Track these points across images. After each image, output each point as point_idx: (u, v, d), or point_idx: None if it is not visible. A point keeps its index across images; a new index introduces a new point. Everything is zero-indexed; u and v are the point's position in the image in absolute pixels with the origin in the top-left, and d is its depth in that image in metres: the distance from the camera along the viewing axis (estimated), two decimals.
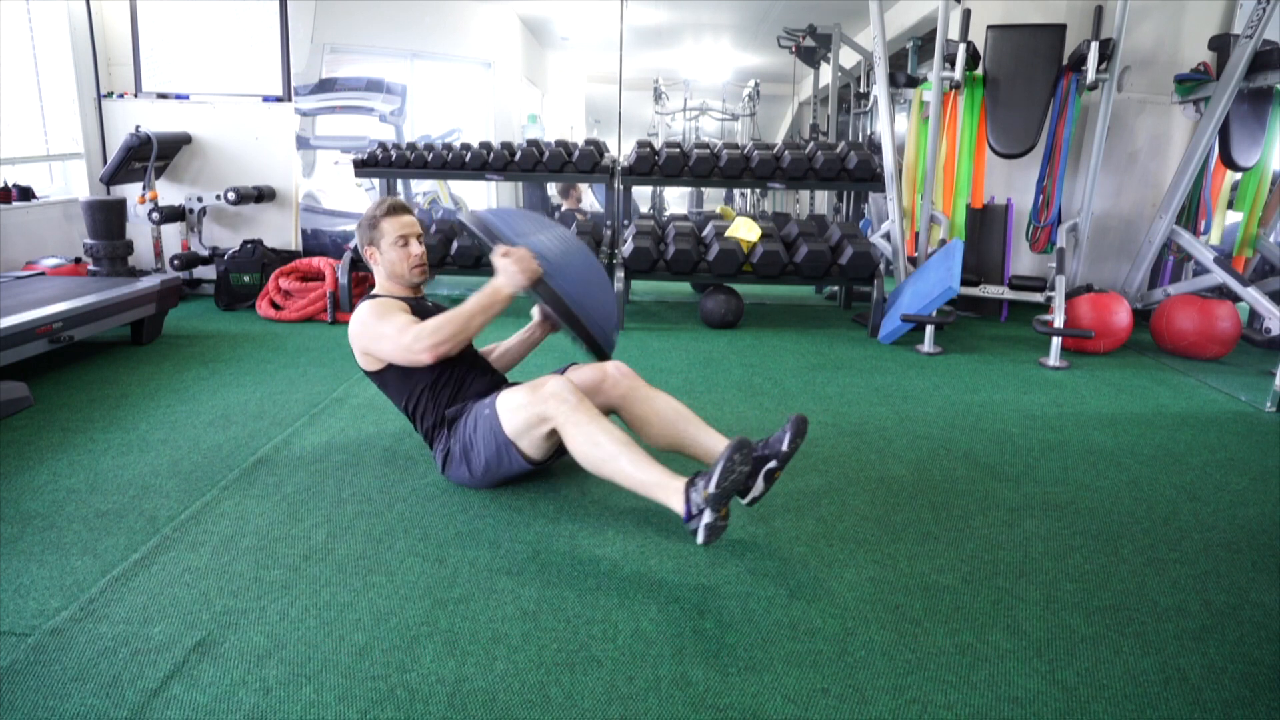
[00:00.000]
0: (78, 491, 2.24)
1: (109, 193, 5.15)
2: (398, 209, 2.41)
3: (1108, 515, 2.22)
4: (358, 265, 4.55)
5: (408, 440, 2.65)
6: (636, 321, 4.62)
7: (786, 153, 4.80)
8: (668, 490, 1.92)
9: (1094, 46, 4.08)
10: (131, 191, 5.10)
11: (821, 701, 1.44)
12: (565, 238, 2.41)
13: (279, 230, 5.50)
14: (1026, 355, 3.99)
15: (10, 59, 4.76)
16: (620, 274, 4.42)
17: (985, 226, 4.88)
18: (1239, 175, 4.34)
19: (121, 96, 5.33)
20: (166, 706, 1.39)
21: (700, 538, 1.86)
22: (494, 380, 2.41)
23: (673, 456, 2.23)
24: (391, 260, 2.39)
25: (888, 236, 4.71)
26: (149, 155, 4.98)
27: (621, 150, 6.56)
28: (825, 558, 1.95)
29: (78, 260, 4.73)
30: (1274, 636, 1.67)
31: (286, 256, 5.04)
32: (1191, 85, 4.26)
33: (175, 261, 5.00)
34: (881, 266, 4.47)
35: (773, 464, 1.94)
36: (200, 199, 5.22)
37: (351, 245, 4.71)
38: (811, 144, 5.00)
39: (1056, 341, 3.83)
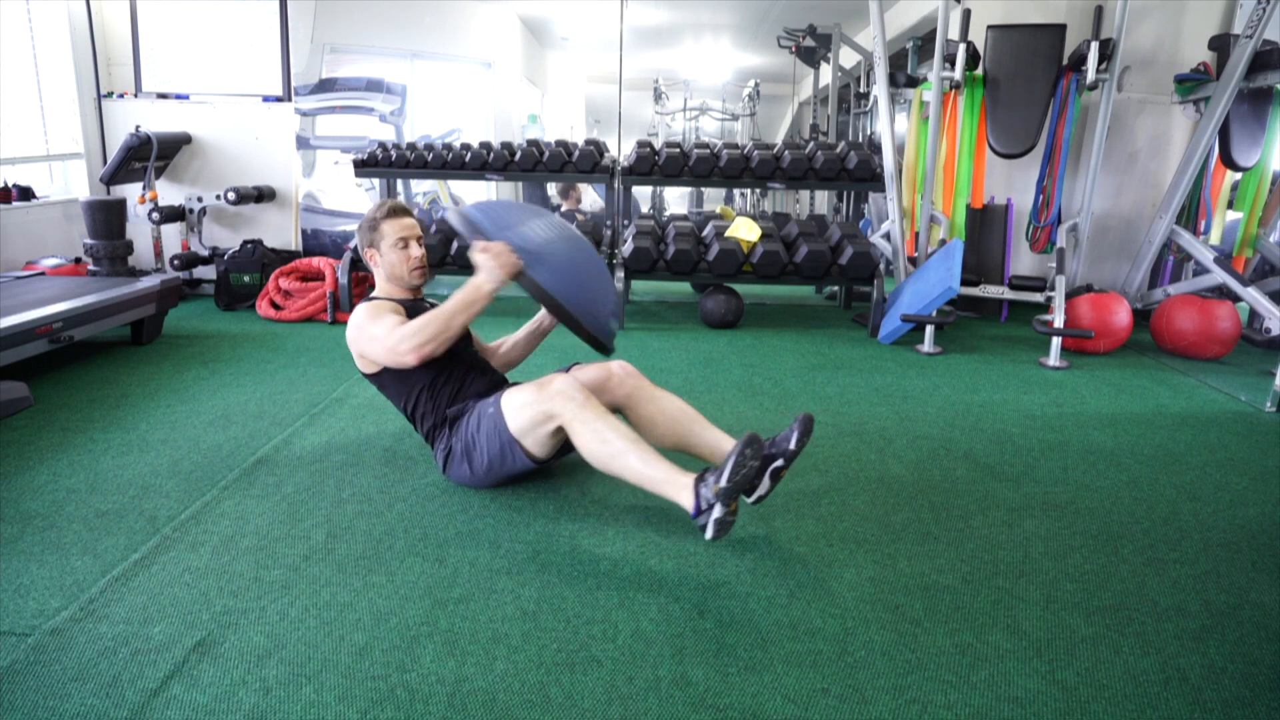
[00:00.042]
0: (78, 491, 2.24)
1: (109, 193, 5.15)
2: (398, 211, 2.42)
3: (1108, 515, 2.22)
4: (358, 265, 4.55)
5: (408, 440, 2.65)
6: (636, 321, 4.62)
7: (786, 153, 4.80)
8: (676, 486, 1.92)
9: (1094, 46, 4.08)
10: (131, 191, 5.10)
11: (821, 701, 1.44)
12: (554, 226, 2.36)
13: (279, 230, 5.50)
14: (1026, 355, 3.99)
15: (10, 59, 4.76)
16: (620, 274, 4.42)
17: (985, 226, 4.88)
18: (1239, 175, 4.34)
19: (121, 96, 5.34)
20: (166, 706, 1.39)
21: (709, 533, 1.86)
22: (494, 380, 2.41)
23: (675, 456, 2.22)
24: (391, 262, 2.40)
25: (888, 236, 4.71)
26: (149, 155, 4.98)
27: (621, 150, 6.56)
28: (825, 558, 1.95)
29: (78, 260, 4.73)
30: (1274, 636, 1.67)
31: (286, 256, 5.04)
32: (1191, 85, 4.26)
33: (175, 261, 5.00)
34: (881, 266, 4.47)
35: (779, 463, 1.95)
36: (200, 199, 5.22)
37: (351, 245, 4.71)
38: (811, 144, 5.00)
39: (1056, 341, 3.83)
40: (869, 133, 6.70)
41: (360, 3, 5.64)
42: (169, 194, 5.34)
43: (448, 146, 5.06)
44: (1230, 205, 4.50)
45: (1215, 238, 4.45)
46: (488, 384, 2.37)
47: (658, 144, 5.07)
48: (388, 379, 2.33)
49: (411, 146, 5.03)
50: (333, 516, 2.11)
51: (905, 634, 1.64)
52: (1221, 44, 4.13)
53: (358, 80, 5.76)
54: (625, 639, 1.61)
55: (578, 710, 1.41)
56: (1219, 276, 3.96)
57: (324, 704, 1.41)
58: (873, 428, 2.88)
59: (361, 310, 2.30)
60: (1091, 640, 1.64)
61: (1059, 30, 4.26)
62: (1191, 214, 4.45)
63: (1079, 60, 4.19)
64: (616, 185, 5.01)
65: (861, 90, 7.17)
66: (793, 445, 1.94)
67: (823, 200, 7.46)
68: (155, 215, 4.99)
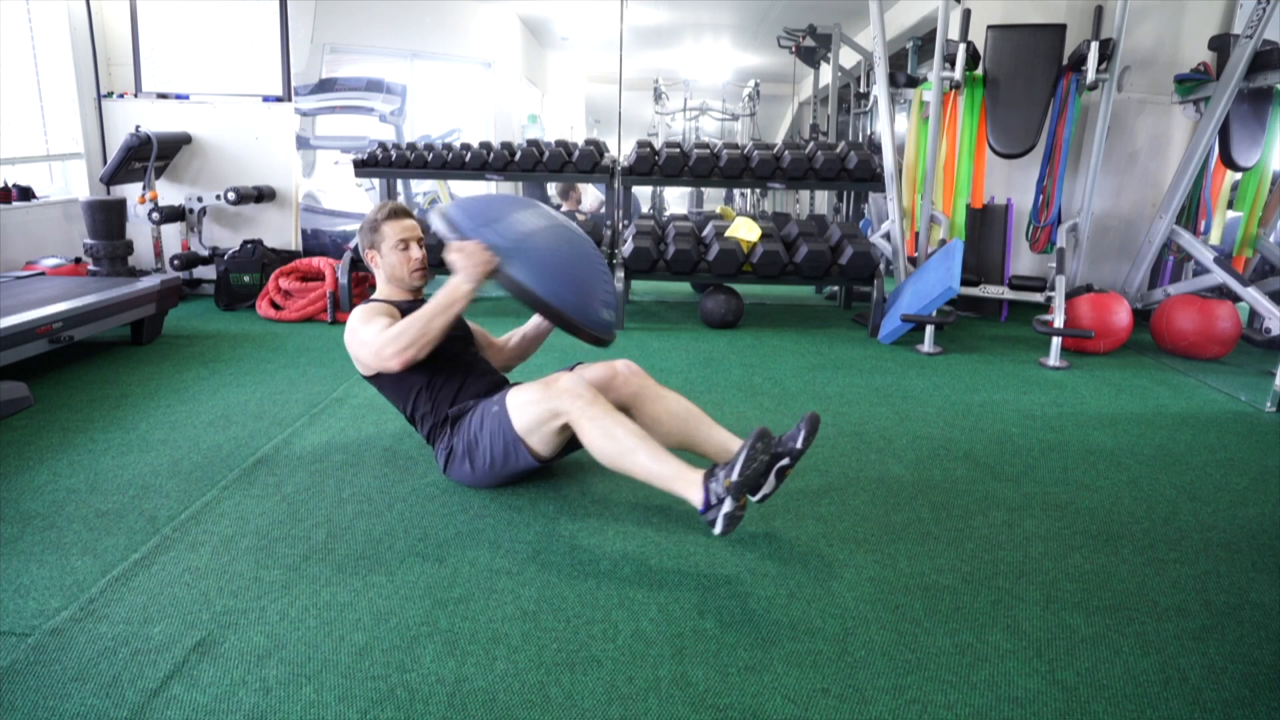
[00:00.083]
0: (78, 491, 2.24)
1: (109, 193, 5.15)
2: (398, 213, 2.43)
3: (1108, 515, 2.22)
4: (358, 265, 4.55)
5: (408, 440, 2.65)
6: (636, 321, 4.62)
7: (786, 153, 4.80)
8: (685, 482, 1.93)
9: (1094, 46, 4.09)
10: (131, 191, 5.10)
11: (821, 701, 1.44)
12: (539, 216, 2.29)
13: (279, 230, 5.50)
14: (1026, 355, 3.99)
15: (10, 59, 4.76)
16: (620, 274, 4.42)
17: (985, 226, 4.88)
18: (1239, 175, 4.34)
19: (121, 96, 5.34)
20: (166, 706, 1.39)
21: (718, 528, 1.87)
22: (494, 381, 2.41)
23: (680, 454, 2.22)
24: (392, 264, 2.41)
25: (888, 236, 4.71)
26: (149, 155, 4.99)
27: (621, 150, 6.56)
28: (825, 558, 1.95)
29: (78, 260, 4.73)
30: (1274, 636, 1.67)
31: (286, 256, 5.04)
32: (1191, 85, 4.26)
33: (175, 261, 5.00)
34: (881, 266, 4.47)
35: (785, 461, 1.95)
36: (200, 199, 5.22)
37: (351, 245, 4.72)
38: (811, 144, 5.00)
39: (1056, 341, 3.83)
40: (869, 133, 6.70)
41: (360, 3, 5.64)
42: (169, 194, 5.35)
43: (448, 146, 5.06)
44: (1230, 205, 4.50)
45: (1215, 238, 4.45)
46: (488, 384, 2.37)
47: (658, 144, 5.07)
48: (386, 381, 2.33)
49: (411, 146, 5.03)
50: (333, 516, 2.11)
51: (905, 634, 1.64)
52: (1221, 44, 4.13)
53: (358, 80, 5.77)
54: (625, 639, 1.61)
55: (578, 710, 1.41)
56: (1219, 276, 3.96)
57: (324, 704, 1.41)
58: (873, 428, 2.88)
59: (356, 314, 2.30)
60: (1091, 640, 1.64)
61: (1059, 30, 4.26)
62: (1191, 214, 4.46)
63: (1079, 60, 4.19)
64: (616, 185, 5.01)
65: (861, 90, 7.17)
66: (799, 444, 1.95)
67: (823, 200, 7.46)
68: (155, 215, 4.99)
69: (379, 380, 2.35)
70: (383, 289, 2.47)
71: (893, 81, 4.48)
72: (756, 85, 9.01)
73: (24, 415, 2.85)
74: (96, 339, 3.78)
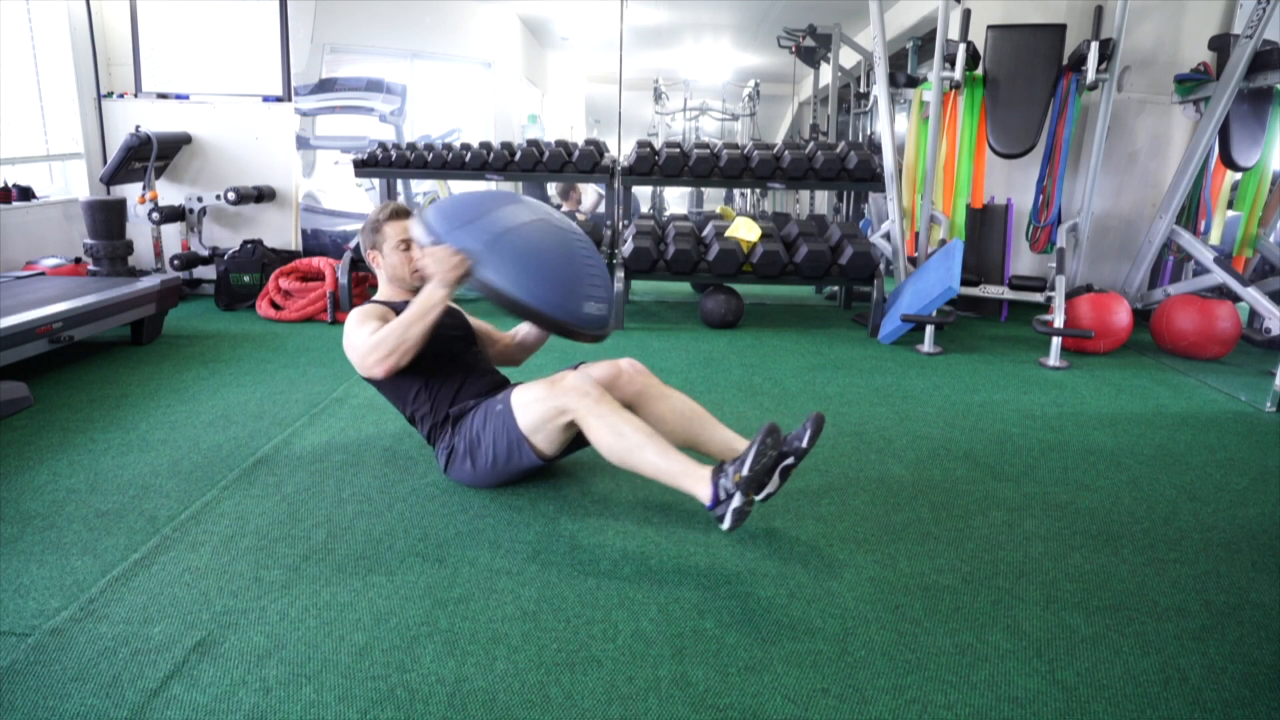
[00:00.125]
0: (78, 491, 2.24)
1: (109, 193, 5.15)
2: (400, 213, 2.43)
3: (1108, 515, 2.22)
4: (358, 265, 4.55)
5: (408, 440, 2.65)
6: (636, 321, 4.62)
7: (786, 153, 4.80)
8: (693, 478, 1.93)
9: (1094, 46, 4.09)
10: (131, 191, 5.10)
11: (821, 701, 1.44)
12: (519, 212, 2.21)
13: (279, 230, 5.50)
14: (1026, 355, 3.99)
15: (10, 59, 4.76)
16: (620, 274, 4.42)
17: (985, 226, 4.88)
18: (1239, 175, 4.34)
19: (121, 96, 5.34)
20: (166, 706, 1.39)
21: (727, 523, 1.87)
22: (495, 381, 2.41)
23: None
24: (393, 264, 2.42)
25: (888, 236, 4.71)
26: (149, 155, 4.99)
27: (621, 150, 6.56)
28: (825, 558, 1.95)
29: (78, 260, 4.73)
30: (1274, 636, 1.67)
31: (286, 256, 5.04)
32: (1191, 85, 4.26)
33: (175, 261, 5.00)
34: (881, 266, 4.47)
35: (790, 460, 1.95)
36: (200, 199, 5.22)
37: (351, 245, 4.72)
38: (811, 144, 5.00)
39: (1056, 341, 3.83)
40: (869, 133, 6.70)
41: (360, 3, 5.64)
42: (169, 194, 5.35)
43: (448, 146, 5.06)
44: (1230, 205, 4.50)
45: (1215, 238, 4.45)
46: (489, 384, 2.37)
47: (658, 144, 5.07)
48: (385, 381, 2.32)
49: (411, 146, 5.03)
50: (333, 516, 2.11)
51: (905, 634, 1.64)
52: (1221, 44, 4.13)
53: (358, 80, 5.77)
54: (625, 639, 1.61)
55: (578, 710, 1.41)
56: (1219, 276, 3.96)
57: (324, 704, 1.41)
58: (873, 428, 2.88)
59: (352, 316, 2.30)
60: (1091, 640, 1.64)
61: (1059, 30, 4.26)
62: (1191, 214, 4.46)
63: (1079, 60, 4.19)
64: (616, 185, 5.01)
65: (861, 90, 7.17)
66: (805, 443, 1.95)
67: (823, 200, 7.46)
68: (155, 215, 4.99)
69: (378, 380, 2.35)
70: (384, 289, 2.48)
71: (893, 81, 4.48)
72: (756, 85, 9.01)
73: (24, 415, 2.85)
74: (96, 339, 3.78)
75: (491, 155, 4.91)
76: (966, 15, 4.29)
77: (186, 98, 5.38)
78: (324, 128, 5.67)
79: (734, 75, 9.61)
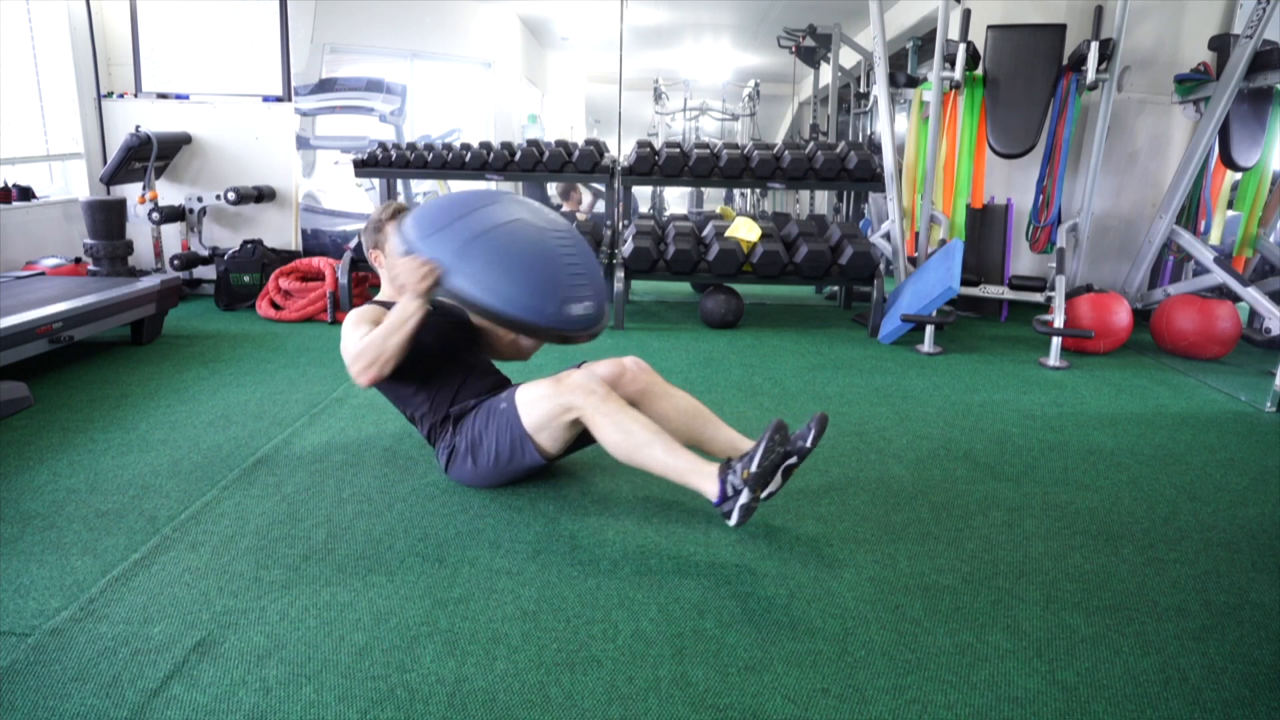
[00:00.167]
0: (78, 491, 2.24)
1: (109, 193, 5.15)
2: (402, 213, 2.43)
3: (1108, 515, 2.22)
4: (358, 265, 4.55)
5: (408, 440, 2.65)
6: (636, 321, 4.62)
7: (786, 153, 4.80)
8: (700, 475, 1.95)
9: (1094, 46, 4.09)
10: (131, 191, 5.10)
11: (821, 701, 1.44)
12: (492, 217, 2.12)
13: (279, 230, 5.50)
14: (1026, 355, 3.99)
15: (10, 59, 4.76)
16: (620, 274, 4.42)
17: (985, 226, 4.88)
18: (1239, 175, 4.34)
19: (121, 96, 5.34)
20: (166, 706, 1.39)
21: (734, 519, 1.89)
22: (496, 380, 2.41)
23: None
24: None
25: (888, 236, 4.71)
26: (149, 155, 4.99)
27: (621, 150, 6.56)
28: (825, 558, 1.95)
29: (78, 260, 4.73)
30: (1274, 636, 1.67)
31: (286, 256, 5.04)
32: (1191, 85, 4.26)
33: (175, 261, 5.00)
34: (881, 266, 4.47)
35: (793, 460, 1.96)
36: (200, 199, 5.22)
37: (351, 245, 4.72)
38: (811, 144, 5.00)
39: (1056, 341, 3.83)
40: (869, 133, 6.70)
41: (360, 3, 5.64)
42: (169, 194, 5.35)
43: (448, 146, 5.06)
44: (1230, 205, 4.50)
45: (1215, 238, 4.45)
46: (490, 384, 2.37)
47: (658, 144, 5.07)
48: (384, 381, 2.32)
49: (411, 146, 5.03)
50: (333, 516, 2.11)
51: (905, 634, 1.64)
52: (1221, 44, 4.13)
53: (358, 80, 5.77)
54: (625, 639, 1.61)
55: (578, 710, 1.41)
56: (1219, 276, 3.96)
57: (324, 704, 1.41)
58: (873, 428, 2.88)
59: (348, 319, 2.28)
60: (1091, 640, 1.64)
61: (1059, 30, 4.26)
62: (1191, 214, 4.46)
63: (1079, 60, 4.19)
64: (616, 185, 5.02)
65: (861, 90, 7.17)
66: (808, 443, 1.96)
67: (823, 200, 7.46)
68: (155, 215, 4.99)
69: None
70: (386, 289, 2.48)
71: (893, 81, 4.48)
72: (756, 85, 9.01)
73: (24, 415, 2.85)
74: (96, 339, 3.78)
75: (491, 155, 4.91)
76: (966, 15, 4.29)
77: (186, 98, 5.37)
78: (324, 128, 5.67)
79: (734, 75, 9.61)
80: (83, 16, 5.13)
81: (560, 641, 1.60)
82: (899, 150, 4.60)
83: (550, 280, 2.08)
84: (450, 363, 2.35)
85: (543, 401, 2.09)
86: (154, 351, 3.76)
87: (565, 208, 6.61)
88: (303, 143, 5.54)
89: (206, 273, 5.20)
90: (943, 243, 4.40)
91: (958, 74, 4.26)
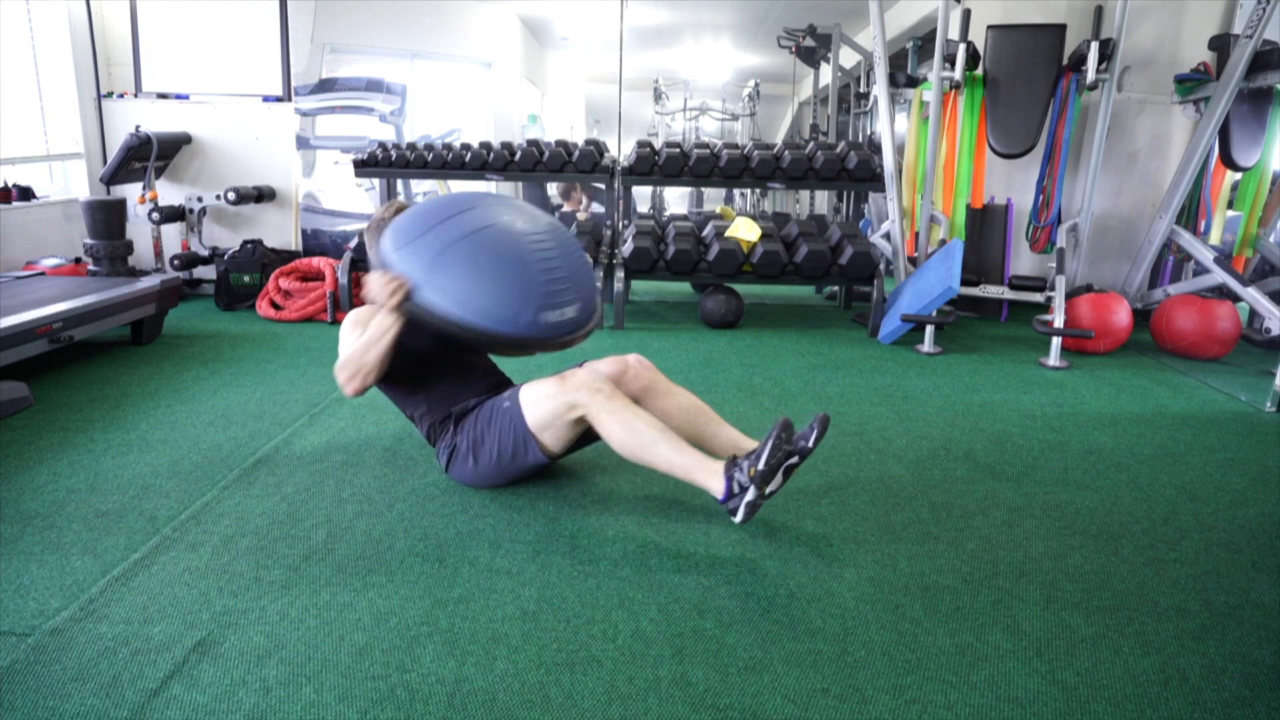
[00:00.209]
0: (78, 491, 2.24)
1: (109, 193, 5.15)
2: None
3: (1108, 515, 2.22)
4: (358, 265, 4.55)
5: (408, 440, 2.65)
6: (636, 321, 4.62)
7: (786, 153, 4.80)
8: (706, 472, 1.97)
9: (1094, 46, 4.08)
10: (131, 191, 5.10)
11: (821, 701, 1.44)
12: (465, 224, 2.03)
13: (279, 230, 5.50)
14: (1026, 355, 3.99)
15: (10, 59, 4.76)
16: (620, 274, 4.42)
17: (985, 226, 4.88)
18: (1239, 175, 4.34)
19: (121, 96, 5.34)
20: (166, 706, 1.39)
21: (740, 516, 1.92)
22: (497, 380, 2.41)
23: None
24: None
25: (888, 236, 4.71)
26: (149, 155, 4.98)
27: (621, 150, 6.56)
28: (825, 558, 1.95)
29: (78, 260, 4.73)
30: (1274, 636, 1.67)
31: (286, 256, 5.04)
32: (1191, 85, 4.26)
33: (175, 261, 5.00)
34: (881, 266, 4.47)
35: (794, 459, 1.97)
36: (200, 199, 5.22)
37: (351, 245, 4.71)
38: (811, 144, 5.00)
39: (1056, 341, 3.83)
40: (869, 133, 6.70)
41: (360, 3, 5.64)
42: (169, 194, 5.34)
43: (448, 146, 5.06)
44: (1230, 205, 4.50)
45: (1215, 238, 4.45)
46: (491, 384, 2.37)
47: (658, 144, 5.07)
48: (385, 380, 2.33)
49: (411, 146, 5.03)
50: (333, 516, 2.11)
51: (905, 634, 1.64)
52: (1221, 44, 4.13)
53: (358, 80, 5.77)
54: (625, 639, 1.61)
55: (578, 710, 1.41)
56: (1219, 276, 3.96)
57: (324, 704, 1.41)
58: (873, 428, 2.88)
59: (346, 321, 2.29)
60: (1091, 640, 1.64)
61: (1059, 30, 4.26)
62: (1191, 214, 4.46)
63: (1079, 60, 4.19)
64: (616, 185, 5.01)
65: (861, 90, 7.17)
66: (810, 443, 1.97)
67: (823, 200, 7.46)
68: (155, 215, 4.99)
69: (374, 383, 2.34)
70: None
71: (893, 81, 4.48)
72: (756, 85, 9.01)
73: (24, 415, 2.85)
74: (96, 339, 3.78)
75: (491, 155, 4.91)
76: (966, 15, 4.29)
77: (186, 98, 5.37)
78: (324, 128, 5.67)
79: (734, 75, 9.61)
80: (83, 16, 5.13)
81: (560, 641, 1.60)
82: (899, 150, 4.60)
83: (523, 288, 2.00)
84: (450, 362, 2.35)
85: (548, 400, 2.09)
86: (154, 351, 3.76)
87: (566, 208, 6.61)
88: (303, 143, 5.54)
89: (206, 273, 5.20)
90: (943, 243, 4.40)
91: (958, 74, 4.25)
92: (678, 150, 4.88)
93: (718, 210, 7.23)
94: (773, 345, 4.12)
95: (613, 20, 6.77)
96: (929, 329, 4.00)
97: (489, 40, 6.84)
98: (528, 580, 1.82)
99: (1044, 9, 4.75)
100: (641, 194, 9.14)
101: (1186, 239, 4.19)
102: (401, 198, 5.74)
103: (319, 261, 4.72)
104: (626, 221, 5.00)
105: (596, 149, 4.97)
